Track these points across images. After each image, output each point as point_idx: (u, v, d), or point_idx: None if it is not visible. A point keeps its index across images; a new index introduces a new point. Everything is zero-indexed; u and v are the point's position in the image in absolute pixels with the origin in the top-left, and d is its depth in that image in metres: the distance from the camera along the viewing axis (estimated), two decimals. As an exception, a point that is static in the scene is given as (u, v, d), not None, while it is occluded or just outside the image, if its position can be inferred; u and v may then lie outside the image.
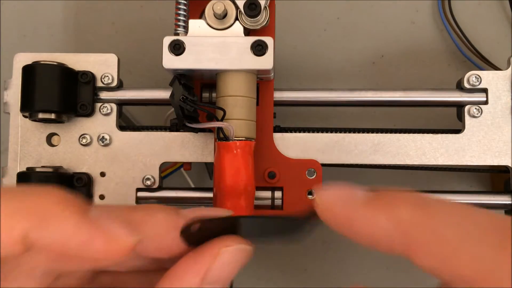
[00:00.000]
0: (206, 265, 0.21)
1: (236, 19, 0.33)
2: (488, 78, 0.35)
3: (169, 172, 0.38)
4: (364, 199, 0.19)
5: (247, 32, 0.34)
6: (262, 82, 0.35)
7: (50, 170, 0.34)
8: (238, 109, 0.32)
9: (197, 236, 0.22)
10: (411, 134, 0.35)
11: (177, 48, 0.32)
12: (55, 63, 0.34)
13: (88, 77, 0.35)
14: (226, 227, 0.23)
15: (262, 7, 0.33)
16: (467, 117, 0.35)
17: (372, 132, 0.36)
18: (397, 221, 0.17)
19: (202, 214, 0.22)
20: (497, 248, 0.16)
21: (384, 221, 0.18)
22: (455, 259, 0.16)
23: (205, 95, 0.36)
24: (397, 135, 0.35)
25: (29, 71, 0.34)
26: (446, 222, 0.17)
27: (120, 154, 0.35)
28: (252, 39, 0.32)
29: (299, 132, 0.36)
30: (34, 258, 0.21)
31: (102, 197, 0.35)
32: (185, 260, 0.21)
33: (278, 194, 0.35)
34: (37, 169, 0.34)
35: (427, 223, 0.17)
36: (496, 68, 0.42)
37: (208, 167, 0.43)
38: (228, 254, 0.22)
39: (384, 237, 0.18)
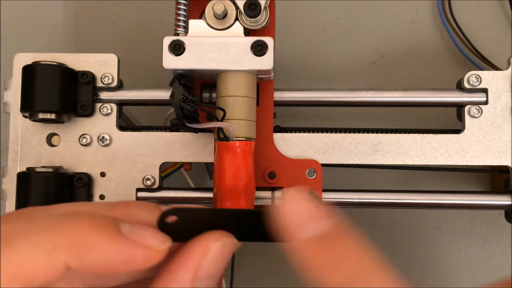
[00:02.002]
0: (196, 262, 0.22)
1: (236, 19, 0.33)
2: (488, 78, 0.35)
3: (169, 172, 0.38)
4: (314, 244, 0.21)
5: (247, 32, 0.34)
6: (262, 82, 0.35)
7: (50, 170, 0.34)
8: (238, 109, 0.32)
9: (178, 229, 0.23)
10: (411, 134, 0.35)
11: (177, 48, 0.32)
12: (55, 63, 0.34)
13: (88, 77, 0.35)
14: (207, 220, 0.23)
15: (262, 7, 0.33)
16: (467, 117, 0.35)
17: (372, 132, 0.36)
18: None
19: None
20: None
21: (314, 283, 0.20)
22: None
23: (205, 95, 0.36)
24: (397, 135, 0.35)
25: (29, 71, 0.34)
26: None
27: (120, 154, 0.35)
28: (252, 39, 0.32)
29: (299, 132, 0.36)
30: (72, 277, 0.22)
31: (102, 197, 0.35)
32: (175, 259, 0.22)
33: (278, 194, 0.35)
34: (37, 169, 0.34)
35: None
36: (496, 68, 0.42)
37: (208, 167, 0.43)
38: (216, 249, 0.22)
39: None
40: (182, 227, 0.23)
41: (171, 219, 0.23)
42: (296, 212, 0.21)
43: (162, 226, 0.23)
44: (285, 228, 0.21)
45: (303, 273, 0.20)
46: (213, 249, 0.22)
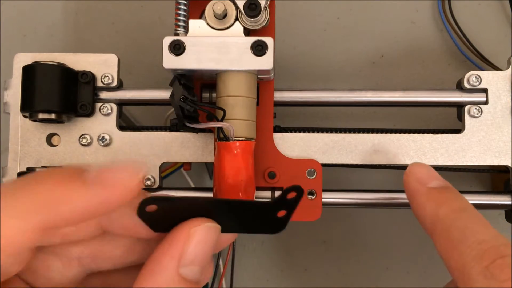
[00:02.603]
0: (180, 248, 0.22)
1: (236, 19, 0.33)
2: (488, 78, 0.35)
3: (169, 172, 0.38)
4: (428, 189, 0.28)
5: (247, 32, 0.34)
6: (262, 82, 0.35)
7: (50, 170, 0.34)
8: (238, 109, 0.32)
9: (159, 219, 0.23)
10: (411, 134, 0.35)
11: (177, 48, 0.32)
12: (55, 63, 0.34)
13: (88, 77, 0.35)
14: (188, 209, 0.23)
15: (262, 7, 0.33)
16: (467, 117, 0.35)
17: (372, 132, 0.36)
18: (434, 215, 0.26)
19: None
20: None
21: (428, 211, 0.27)
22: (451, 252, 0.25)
23: (205, 95, 0.36)
24: (397, 135, 0.35)
25: (29, 71, 0.34)
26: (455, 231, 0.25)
27: (120, 154, 0.35)
28: (252, 39, 0.32)
29: (299, 132, 0.36)
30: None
31: (102, 197, 0.35)
32: (160, 247, 0.22)
33: (278, 194, 0.35)
34: (37, 169, 0.34)
35: (447, 227, 0.25)
36: (496, 68, 0.42)
37: (208, 167, 0.43)
38: (199, 233, 0.23)
39: (422, 218, 0.27)
40: (163, 217, 0.23)
41: (151, 208, 0.22)
42: (426, 172, 0.29)
43: (142, 215, 0.23)
44: (418, 179, 0.28)
45: (420, 206, 0.27)
46: (195, 234, 0.22)
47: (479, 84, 0.35)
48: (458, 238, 0.24)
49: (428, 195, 0.27)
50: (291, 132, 0.36)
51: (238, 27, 0.33)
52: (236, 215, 0.25)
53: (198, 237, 0.23)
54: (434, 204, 0.27)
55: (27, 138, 0.35)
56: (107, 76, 0.36)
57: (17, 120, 0.36)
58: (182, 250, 0.22)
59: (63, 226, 0.21)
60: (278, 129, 0.36)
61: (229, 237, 0.26)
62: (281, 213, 0.26)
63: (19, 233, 0.19)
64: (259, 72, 0.33)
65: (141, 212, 0.23)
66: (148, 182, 0.35)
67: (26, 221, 0.20)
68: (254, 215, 0.25)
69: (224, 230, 0.25)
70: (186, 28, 0.33)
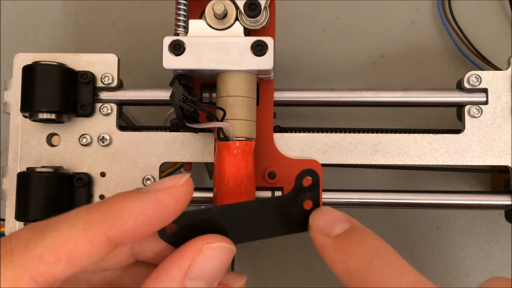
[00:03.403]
0: (189, 260, 0.22)
1: (236, 19, 0.33)
2: (488, 78, 0.35)
3: (169, 172, 0.38)
4: (333, 239, 0.24)
5: (247, 32, 0.34)
6: (262, 82, 0.35)
7: (50, 170, 0.34)
8: (238, 109, 0.32)
9: (180, 235, 0.23)
10: (411, 134, 0.35)
11: (177, 48, 0.32)
12: (55, 63, 0.34)
13: (88, 77, 0.35)
14: (206, 222, 0.24)
15: (262, 7, 0.33)
16: (467, 117, 0.35)
17: (372, 132, 0.36)
18: (346, 270, 0.23)
19: (161, 186, 0.23)
20: None
21: (339, 265, 0.24)
22: None
23: (205, 95, 0.36)
24: (397, 135, 0.35)
25: (29, 71, 0.34)
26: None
27: (120, 154, 0.35)
28: (252, 39, 0.32)
29: (299, 132, 0.36)
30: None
31: (102, 197, 0.35)
32: (171, 257, 0.23)
33: (278, 194, 0.35)
34: (37, 169, 0.34)
35: (365, 280, 0.23)
36: (496, 68, 0.42)
37: (208, 167, 0.43)
38: (210, 251, 0.23)
39: (337, 274, 0.24)
40: (184, 234, 0.23)
41: (170, 228, 0.23)
42: (327, 218, 0.25)
43: (164, 236, 0.24)
44: (322, 230, 0.25)
45: (330, 261, 0.24)
46: (207, 250, 0.23)
47: (479, 84, 0.35)
48: None
49: (335, 247, 0.24)
50: (291, 132, 0.36)
51: (238, 27, 0.33)
52: (259, 218, 0.24)
53: (210, 254, 0.23)
54: (343, 256, 0.24)
55: (27, 138, 0.35)
56: (107, 76, 0.36)
57: (17, 120, 0.36)
58: (190, 264, 0.22)
59: (128, 238, 0.22)
60: (278, 129, 0.36)
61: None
62: (308, 205, 0.25)
63: (85, 243, 0.21)
64: (259, 72, 0.33)
65: (163, 234, 0.23)
66: (148, 182, 0.35)
67: (91, 232, 0.21)
68: (277, 214, 0.24)
69: (254, 237, 0.24)
70: (186, 28, 0.33)
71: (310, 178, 0.24)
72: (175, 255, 0.23)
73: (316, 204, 0.25)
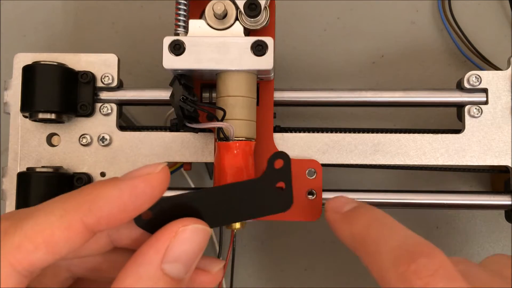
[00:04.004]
0: (165, 243, 0.23)
1: (236, 19, 0.33)
2: (488, 78, 0.35)
3: (169, 172, 0.38)
4: (343, 214, 0.28)
5: (247, 32, 0.34)
6: (262, 82, 0.35)
7: (50, 170, 0.34)
8: (238, 109, 0.32)
9: (156, 221, 0.24)
10: (411, 134, 0.35)
11: (177, 48, 0.32)
12: (55, 63, 0.34)
13: (88, 77, 0.35)
14: (181, 207, 0.24)
15: (262, 7, 0.33)
16: (467, 117, 0.35)
17: (372, 132, 0.36)
18: (350, 234, 0.27)
19: (137, 174, 0.23)
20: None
21: (346, 232, 0.27)
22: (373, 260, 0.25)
23: (205, 95, 0.36)
24: (397, 135, 0.35)
25: (29, 71, 0.34)
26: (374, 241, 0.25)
27: (120, 154, 0.35)
28: (252, 39, 0.32)
29: (299, 132, 0.36)
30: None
31: (102, 197, 0.35)
32: (147, 241, 0.23)
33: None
34: (37, 169, 0.34)
35: (362, 242, 0.26)
36: (496, 68, 0.42)
37: (208, 167, 0.43)
38: (186, 233, 0.23)
39: (344, 241, 0.27)
40: (160, 220, 0.24)
41: (146, 215, 0.24)
42: (339, 201, 0.30)
43: (139, 223, 0.24)
44: (334, 209, 0.29)
45: (339, 232, 0.28)
46: (182, 232, 0.23)
47: (479, 84, 0.35)
48: (374, 249, 0.24)
49: (343, 219, 0.28)
50: (291, 132, 0.36)
51: (238, 27, 0.33)
52: (234, 202, 0.25)
53: (185, 236, 0.23)
54: (349, 224, 0.27)
55: (27, 138, 0.35)
56: (107, 76, 0.36)
57: (17, 120, 0.36)
58: (167, 247, 0.23)
59: (105, 225, 0.22)
60: (278, 129, 0.36)
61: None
62: (281, 186, 0.25)
63: (62, 230, 0.21)
64: (259, 72, 0.33)
65: (139, 221, 0.24)
66: (148, 182, 0.35)
67: (67, 218, 0.21)
68: (251, 197, 0.25)
69: (228, 220, 0.25)
70: (186, 28, 0.33)
71: (282, 160, 0.25)
72: (152, 240, 0.23)
73: (288, 184, 0.26)
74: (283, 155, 0.26)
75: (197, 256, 0.24)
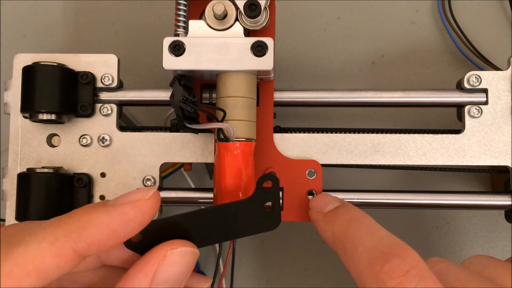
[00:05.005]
0: (154, 266, 0.23)
1: (236, 19, 0.33)
2: (488, 78, 0.35)
3: (169, 172, 0.38)
4: (325, 214, 0.30)
5: (247, 32, 0.34)
6: (262, 82, 0.35)
7: (51, 170, 0.34)
8: (238, 110, 0.32)
9: (146, 243, 0.24)
10: (411, 134, 0.35)
11: (177, 49, 0.32)
12: (55, 64, 0.34)
13: (88, 78, 0.35)
14: (170, 229, 0.25)
15: (262, 7, 0.33)
16: (467, 117, 0.35)
17: (372, 132, 0.36)
18: (331, 234, 0.28)
19: (128, 199, 0.23)
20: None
21: (327, 233, 0.28)
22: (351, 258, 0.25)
23: (205, 95, 0.36)
24: (397, 135, 0.35)
25: (29, 72, 0.34)
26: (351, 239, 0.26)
27: (120, 155, 0.35)
28: (252, 39, 0.32)
29: (299, 132, 0.36)
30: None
31: (102, 197, 0.35)
32: (136, 265, 0.24)
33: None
34: (38, 170, 0.34)
35: (342, 242, 0.27)
36: (496, 68, 0.42)
37: (208, 168, 0.43)
38: (174, 256, 0.24)
39: (327, 241, 0.29)
40: (148, 240, 0.24)
41: (136, 238, 0.24)
42: (321, 200, 0.31)
43: (129, 245, 0.24)
44: (317, 209, 0.30)
45: (321, 231, 0.29)
46: (170, 255, 0.24)
47: (479, 84, 0.35)
48: (351, 249, 0.25)
49: (325, 219, 0.29)
50: (291, 132, 0.36)
51: (238, 28, 0.33)
52: (223, 222, 0.25)
53: (173, 259, 0.24)
54: (329, 224, 0.28)
55: (27, 138, 0.36)
56: (107, 76, 0.36)
57: (17, 120, 0.36)
58: (156, 270, 0.23)
59: (94, 250, 0.22)
60: (278, 129, 0.36)
61: None
62: (269, 207, 0.26)
63: (52, 257, 0.21)
64: (259, 72, 0.33)
65: (128, 243, 0.24)
66: (148, 183, 0.35)
67: (58, 245, 0.21)
68: (240, 217, 0.25)
69: (217, 240, 0.25)
70: (186, 29, 0.33)
71: (271, 181, 0.26)
72: (141, 263, 0.24)
73: (277, 205, 0.26)
74: (271, 177, 0.26)
75: (185, 277, 0.24)
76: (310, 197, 0.34)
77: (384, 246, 0.24)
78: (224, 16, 0.33)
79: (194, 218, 0.25)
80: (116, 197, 0.24)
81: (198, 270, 0.40)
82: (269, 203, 0.26)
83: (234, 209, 0.26)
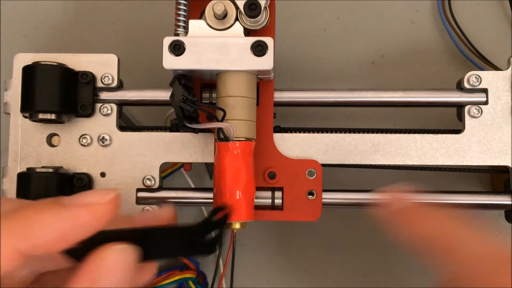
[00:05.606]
0: (93, 269, 0.22)
1: (236, 19, 0.33)
2: (488, 78, 0.35)
3: (169, 172, 0.38)
4: (412, 212, 0.29)
5: (247, 32, 0.34)
6: (262, 82, 0.35)
7: (50, 170, 0.34)
8: (238, 110, 0.32)
9: (86, 250, 0.23)
10: (411, 134, 0.35)
11: (177, 48, 0.32)
12: (55, 64, 0.34)
13: (88, 78, 0.35)
14: (110, 237, 0.23)
15: (262, 7, 0.33)
16: (467, 117, 0.35)
17: (372, 132, 0.36)
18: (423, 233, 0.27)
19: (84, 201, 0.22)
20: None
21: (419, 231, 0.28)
22: None
23: (205, 95, 0.36)
24: (397, 135, 0.35)
25: (29, 72, 0.34)
26: None
27: (120, 155, 0.35)
28: (252, 39, 0.32)
29: (299, 132, 0.36)
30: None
31: (102, 197, 0.35)
32: (76, 270, 0.22)
33: (278, 194, 0.35)
34: (37, 170, 0.34)
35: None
36: (496, 68, 0.42)
37: (208, 167, 0.43)
38: (112, 255, 0.22)
39: (412, 238, 0.28)
40: (88, 248, 0.23)
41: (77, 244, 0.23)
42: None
43: (70, 252, 0.23)
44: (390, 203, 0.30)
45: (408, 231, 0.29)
46: (109, 256, 0.22)
47: (479, 84, 0.35)
48: (452, 252, 0.26)
49: (412, 217, 0.29)
50: (291, 132, 0.36)
51: (238, 27, 0.33)
52: (164, 241, 0.25)
53: (111, 259, 0.22)
54: (420, 223, 0.28)
55: (27, 138, 0.35)
56: (107, 76, 0.36)
57: (17, 120, 0.36)
58: (96, 272, 0.22)
59: (40, 251, 0.21)
60: (278, 129, 0.36)
61: (151, 274, 0.26)
62: (211, 236, 0.26)
63: None
64: (259, 72, 0.33)
65: (68, 250, 0.23)
66: (148, 182, 0.35)
67: (2, 245, 0.20)
68: (183, 240, 0.25)
69: (151, 257, 0.24)
70: (186, 28, 0.33)
71: (222, 213, 0.26)
72: (81, 268, 0.22)
73: (220, 235, 0.26)
74: (224, 209, 0.27)
75: (126, 275, 0.23)
76: (310, 197, 0.34)
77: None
78: (224, 15, 0.33)
79: (138, 233, 0.24)
80: (73, 195, 0.22)
81: (198, 270, 0.40)
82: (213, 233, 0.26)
83: (180, 231, 0.25)
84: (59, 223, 0.21)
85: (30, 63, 0.34)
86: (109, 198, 0.22)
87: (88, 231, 0.22)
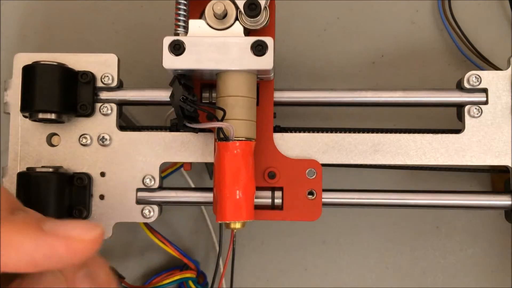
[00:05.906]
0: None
1: (236, 19, 0.33)
2: (488, 78, 0.35)
3: (169, 172, 0.38)
4: None
5: (247, 32, 0.34)
6: (262, 82, 0.35)
7: (50, 170, 0.34)
8: (238, 109, 0.32)
9: None
10: (411, 134, 0.35)
11: (177, 48, 0.32)
12: (55, 63, 0.34)
13: (88, 77, 0.35)
14: None
15: (262, 7, 0.33)
16: (467, 117, 0.35)
17: (372, 132, 0.36)
18: None
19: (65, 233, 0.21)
20: None
21: None
22: None
23: (205, 95, 0.36)
24: (397, 135, 0.35)
25: (29, 71, 0.34)
26: None
27: (120, 154, 0.35)
28: (252, 39, 0.32)
29: (299, 132, 0.36)
30: None
31: (102, 197, 0.35)
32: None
33: (278, 194, 0.35)
34: (37, 169, 0.34)
35: None
36: (496, 68, 0.42)
37: (208, 167, 0.43)
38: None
39: None
40: None
41: None
42: None
43: None
44: None
45: None
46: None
47: (479, 84, 0.35)
48: None
49: None
50: (291, 132, 0.36)
51: (238, 27, 0.33)
52: None
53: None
54: None
55: (27, 138, 0.35)
56: (107, 76, 0.36)
57: (17, 120, 0.36)
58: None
59: (8, 270, 0.20)
60: (278, 129, 0.36)
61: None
62: None
63: None
64: (259, 72, 0.33)
65: None
66: (148, 182, 0.35)
67: None
68: None
69: None
70: (186, 28, 0.33)
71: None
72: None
73: None
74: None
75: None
76: (310, 196, 0.34)
77: None
78: (224, 15, 0.33)
79: None
80: (58, 222, 0.21)
81: (198, 270, 0.40)
82: None
83: None
84: (33, 250, 0.20)
85: (30, 63, 0.34)
86: (92, 236, 0.21)
87: (62, 264, 0.21)
